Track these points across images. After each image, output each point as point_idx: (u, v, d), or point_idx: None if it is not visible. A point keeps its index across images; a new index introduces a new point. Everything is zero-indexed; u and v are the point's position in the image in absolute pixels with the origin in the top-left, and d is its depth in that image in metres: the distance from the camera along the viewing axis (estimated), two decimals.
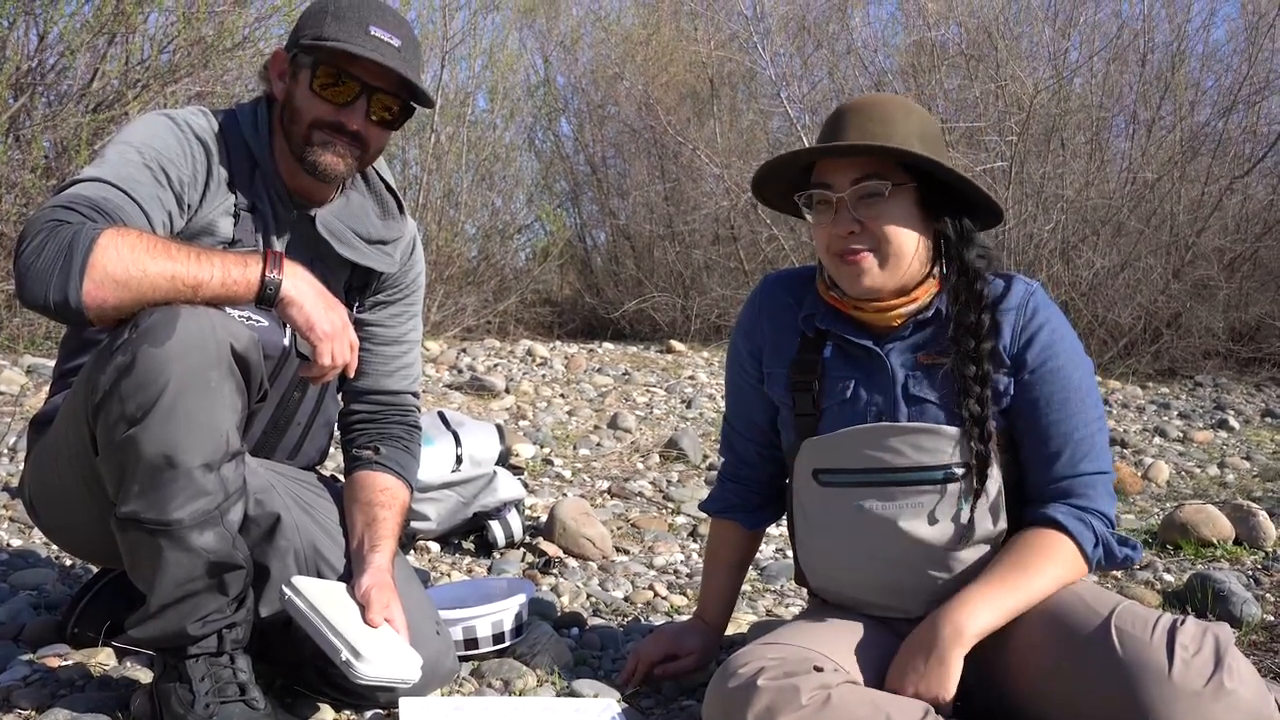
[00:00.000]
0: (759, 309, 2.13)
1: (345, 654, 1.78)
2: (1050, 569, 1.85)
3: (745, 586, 3.01)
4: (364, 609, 1.89)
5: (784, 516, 2.25)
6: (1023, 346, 1.92)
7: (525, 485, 3.59)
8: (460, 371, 6.61)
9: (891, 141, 1.85)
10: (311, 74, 1.97)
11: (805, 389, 2.02)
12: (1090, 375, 1.96)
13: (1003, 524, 1.91)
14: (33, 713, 1.93)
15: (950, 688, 1.76)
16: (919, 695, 1.75)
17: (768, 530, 3.56)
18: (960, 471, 1.89)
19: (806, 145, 8.57)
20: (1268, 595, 2.95)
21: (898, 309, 1.95)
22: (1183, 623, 1.66)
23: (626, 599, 2.92)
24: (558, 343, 8.79)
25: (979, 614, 1.79)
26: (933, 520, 1.89)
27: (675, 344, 8.59)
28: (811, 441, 2.00)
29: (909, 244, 1.90)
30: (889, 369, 1.96)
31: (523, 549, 3.26)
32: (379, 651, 1.81)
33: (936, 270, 1.96)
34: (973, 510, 1.88)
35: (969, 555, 1.90)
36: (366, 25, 1.96)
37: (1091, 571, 1.91)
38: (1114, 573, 3.19)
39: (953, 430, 1.89)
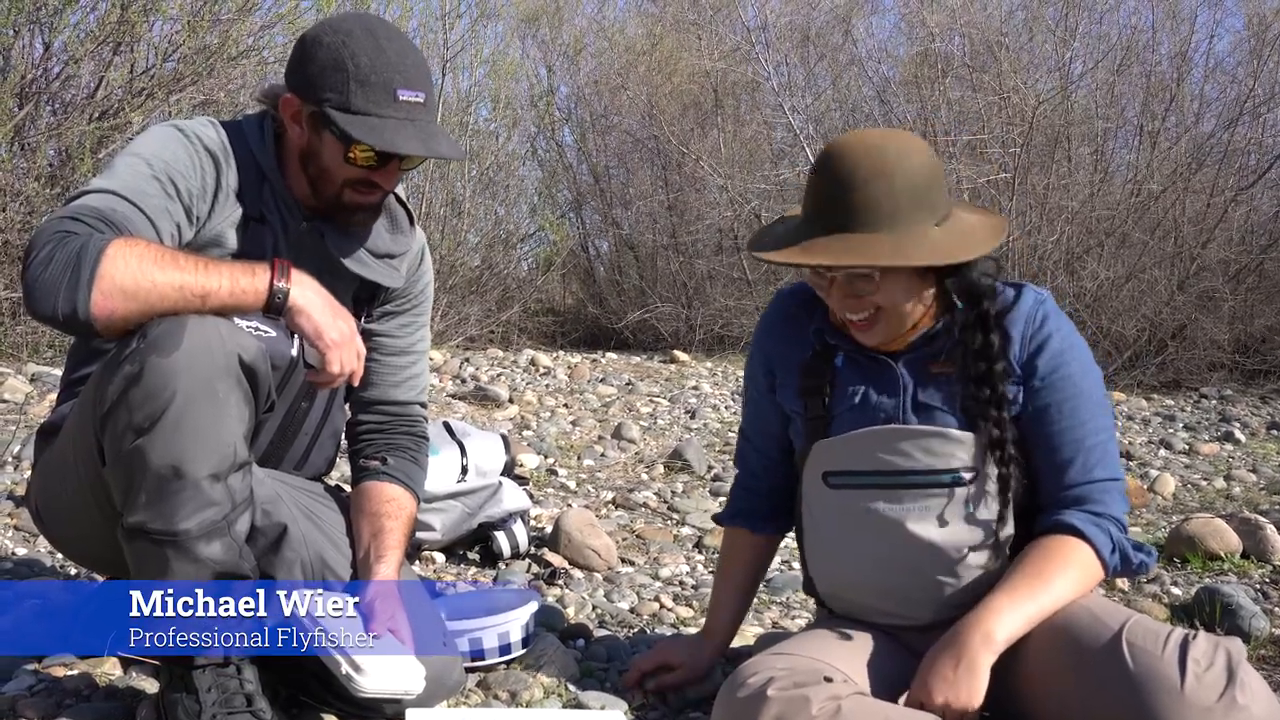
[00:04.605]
0: (771, 321, 2.15)
1: (345, 668, 1.77)
2: (1070, 574, 1.84)
3: None
4: (368, 621, 1.88)
5: (793, 528, 2.24)
6: (1032, 354, 1.92)
7: (530, 496, 3.59)
8: (464, 381, 6.61)
9: (877, 225, 1.80)
10: (344, 147, 1.94)
11: (816, 393, 2.03)
12: (1100, 383, 1.96)
13: (1009, 530, 1.90)
14: None
15: (979, 696, 1.74)
16: (948, 704, 1.73)
17: None
18: (969, 476, 1.89)
19: (809, 156, 8.54)
20: (1276, 609, 2.94)
21: (904, 337, 1.97)
22: (1194, 637, 1.66)
23: (633, 610, 2.91)
24: (561, 352, 8.80)
25: (1006, 621, 1.78)
26: (940, 523, 1.89)
27: (679, 354, 8.59)
28: (822, 444, 2.01)
29: (909, 305, 1.91)
30: (899, 377, 1.97)
31: (528, 560, 3.25)
32: (380, 664, 1.80)
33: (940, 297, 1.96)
34: (993, 515, 1.89)
35: (975, 560, 1.90)
36: (394, 90, 1.92)
37: (1108, 578, 1.90)
38: (1123, 581, 3.19)
39: (961, 434, 1.90)
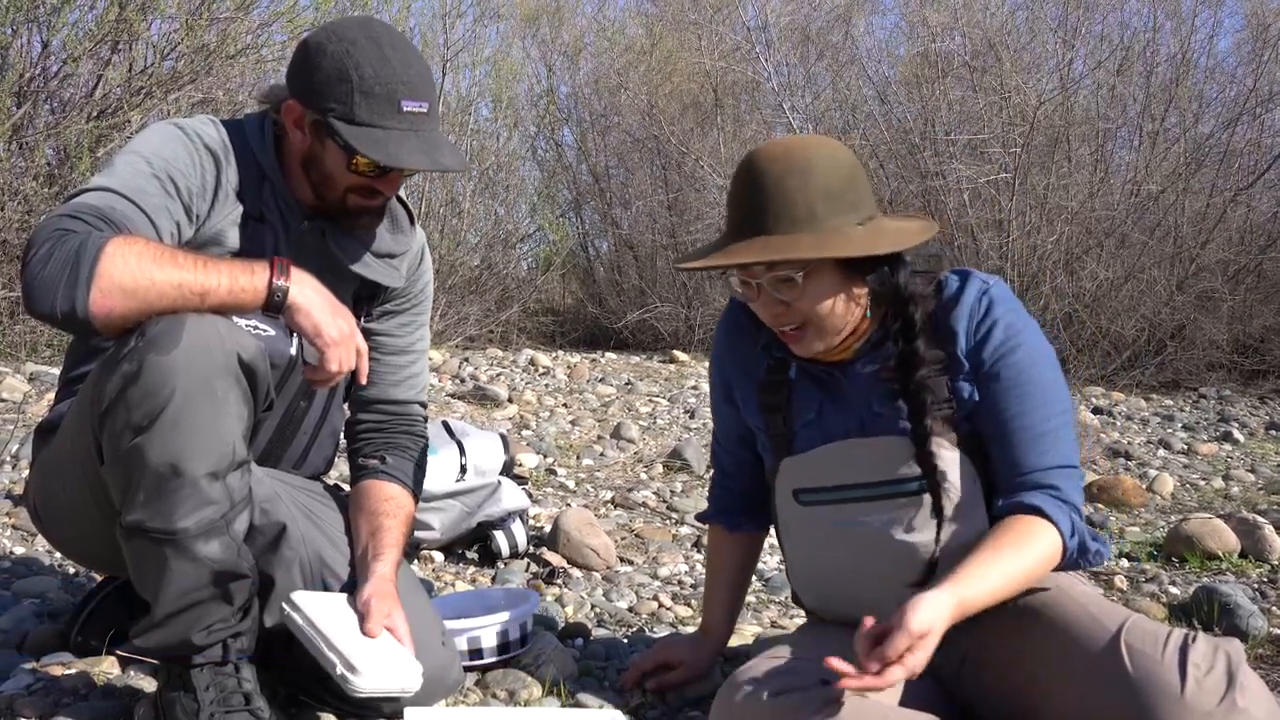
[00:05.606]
0: (725, 333, 2.14)
1: (340, 668, 1.77)
2: (1032, 551, 1.78)
3: (750, 598, 2.99)
4: (364, 619, 1.88)
5: (771, 529, 2.25)
6: (978, 345, 1.88)
7: (529, 495, 3.58)
8: (463, 381, 6.61)
9: (795, 224, 1.77)
10: (346, 156, 1.94)
11: (775, 409, 2.03)
12: (1053, 367, 1.91)
13: (983, 527, 1.87)
14: None
15: (924, 663, 1.62)
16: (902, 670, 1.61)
17: (773, 543, 3.58)
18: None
19: None
20: (1274, 608, 2.94)
21: (846, 346, 1.94)
22: (1194, 640, 1.64)
23: (631, 609, 2.91)
24: (560, 352, 8.80)
25: (971, 591, 1.69)
26: (911, 530, 1.88)
27: (678, 354, 8.59)
28: (789, 461, 2.01)
29: (839, 309, 1.86)
30: (852, 388, 1.96)
31: (527, 559, 3.25)
32: (376, 663, 1.80)
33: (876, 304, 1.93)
34: (963, 515, 1.87)
35: (951, 562, 1.88)
36: (398, 101, 1.91)
37: (1065, 563, 1.84)
38: (1122, 580, 3.19)
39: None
